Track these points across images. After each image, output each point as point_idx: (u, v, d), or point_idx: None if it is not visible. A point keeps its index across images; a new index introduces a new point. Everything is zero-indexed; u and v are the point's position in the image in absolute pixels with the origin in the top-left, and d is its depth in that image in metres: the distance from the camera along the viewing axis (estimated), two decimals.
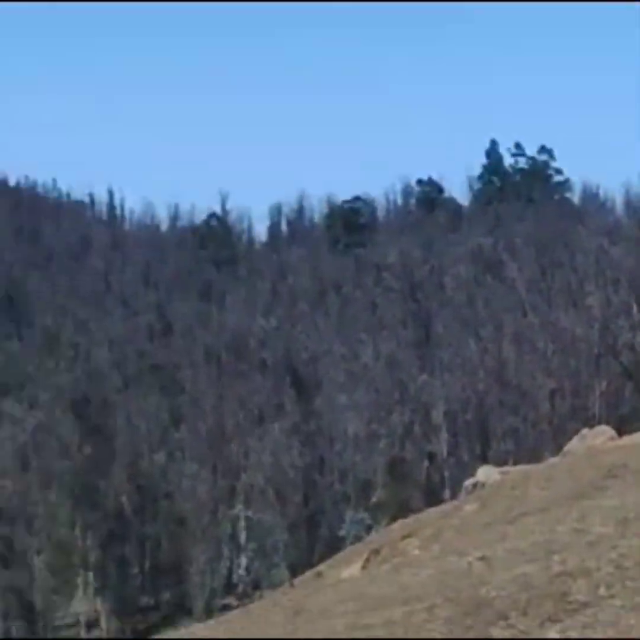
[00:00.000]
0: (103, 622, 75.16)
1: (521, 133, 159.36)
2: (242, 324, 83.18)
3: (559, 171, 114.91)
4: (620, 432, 35.11)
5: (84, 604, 76.97)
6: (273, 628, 15.27)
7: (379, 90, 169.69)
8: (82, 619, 75.93)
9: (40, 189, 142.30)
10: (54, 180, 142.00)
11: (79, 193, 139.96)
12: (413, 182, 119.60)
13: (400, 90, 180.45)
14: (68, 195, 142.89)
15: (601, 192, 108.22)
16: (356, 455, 68.26)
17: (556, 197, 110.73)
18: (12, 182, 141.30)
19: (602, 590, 10.44)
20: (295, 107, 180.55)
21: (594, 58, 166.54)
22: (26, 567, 75.23)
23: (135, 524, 76.11)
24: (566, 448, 32.77)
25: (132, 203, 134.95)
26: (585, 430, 34.93)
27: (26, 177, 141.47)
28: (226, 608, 54.18)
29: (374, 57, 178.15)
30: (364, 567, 24.64)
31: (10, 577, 73.72)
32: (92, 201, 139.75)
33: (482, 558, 14.59)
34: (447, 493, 53.10)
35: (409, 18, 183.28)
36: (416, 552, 21.97)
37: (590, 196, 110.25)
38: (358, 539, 45.50)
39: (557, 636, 9.11)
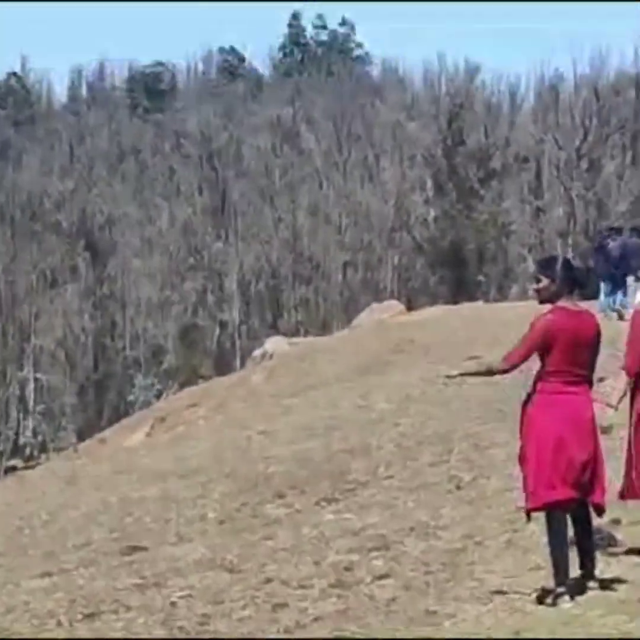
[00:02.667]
0: None
1: (324, 5, 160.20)
2: (38, 185, 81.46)
3: (359, 45, 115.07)
4: (410, 307, 36.26)
5: None
6: (43, 497, 15.02)
7: None
8: None
9: None
10: None
11: None
12: (214, 50, 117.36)
13: None
14: None
15: (400, 68, 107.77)
16: (148, 321, 68.57)
17: (356, 71, 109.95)
18: None
19: (381, 470, 10.57)
20: None
21: None
22: None
23: None
24: (355, 321, 33.49)
25: None
26: (374, 304, 35.82)
27: None
28: (12, 470, 54.10)
29: None
30: (148, 435, 24.78)
31: None
32: None
33: (263, 432, 14.64)
34: (237, 362, 53.85)
35: None
36: (200, 422, 22.02)
37: (389, 71, 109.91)
38: (147, 404, 46.56)
39: (332, 517, 9.08)
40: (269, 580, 7.44)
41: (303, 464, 11.23)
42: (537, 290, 6.42)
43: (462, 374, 7.06)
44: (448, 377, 7.55)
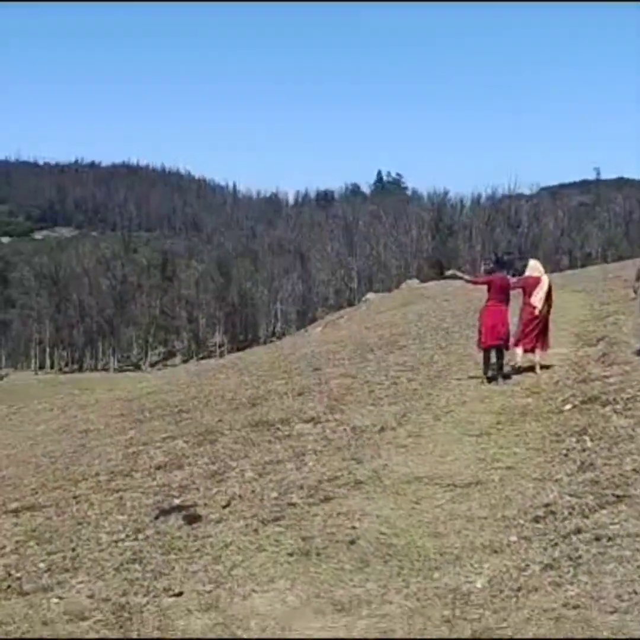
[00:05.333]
0: None
1: None
2: None
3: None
4: None
5: None
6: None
7: None
8: None
9: None
10: None
11: None
12: None
13: None
14: None
15: None
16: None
17: None
18: None
19: (407, 339, 25.60)
20: None
21: None
22: None
23: None
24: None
25: None
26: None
27: None
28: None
29: None
30: (323, 328, 43.44)
31: None
32: None
33: (367, 327, 30.24)
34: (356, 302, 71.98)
35: None
36: (342, 322, 38.88)
37: None
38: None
39: (392, 356, 24.10)
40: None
41: (380, 335, 26.38)
42: None
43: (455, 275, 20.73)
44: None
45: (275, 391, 18.54)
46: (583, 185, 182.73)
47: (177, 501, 10.90)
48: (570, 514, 8.49)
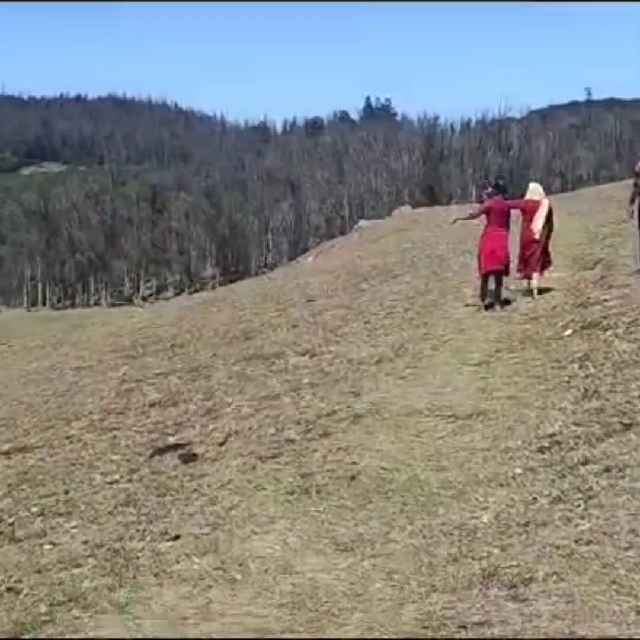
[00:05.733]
0: None
1: None
2: None
3: None
4: None
5: None
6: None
7: None
8: None
9: None
10: None
11: None
12: None
13: None
14: None
15: None
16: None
17: None
18: None
19: (400, 267, 25.25)
20: None
21: None
22: None
23: None
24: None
25: None
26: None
27: None
28: None
29: None
30: (315, 257, 41.99)
31: None
32: None
33: (359, 256, 29.76)
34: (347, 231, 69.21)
35: None
36: (334, 251, 38.06)
37: None
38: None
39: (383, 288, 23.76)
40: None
41: (374, 264, 26.01)
42: None
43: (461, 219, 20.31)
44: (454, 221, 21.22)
45: (269, 324, 18.24)
46: (572, 107, 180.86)
47: (172, 439, 10.67)
48: (576, 443, 8.25)
